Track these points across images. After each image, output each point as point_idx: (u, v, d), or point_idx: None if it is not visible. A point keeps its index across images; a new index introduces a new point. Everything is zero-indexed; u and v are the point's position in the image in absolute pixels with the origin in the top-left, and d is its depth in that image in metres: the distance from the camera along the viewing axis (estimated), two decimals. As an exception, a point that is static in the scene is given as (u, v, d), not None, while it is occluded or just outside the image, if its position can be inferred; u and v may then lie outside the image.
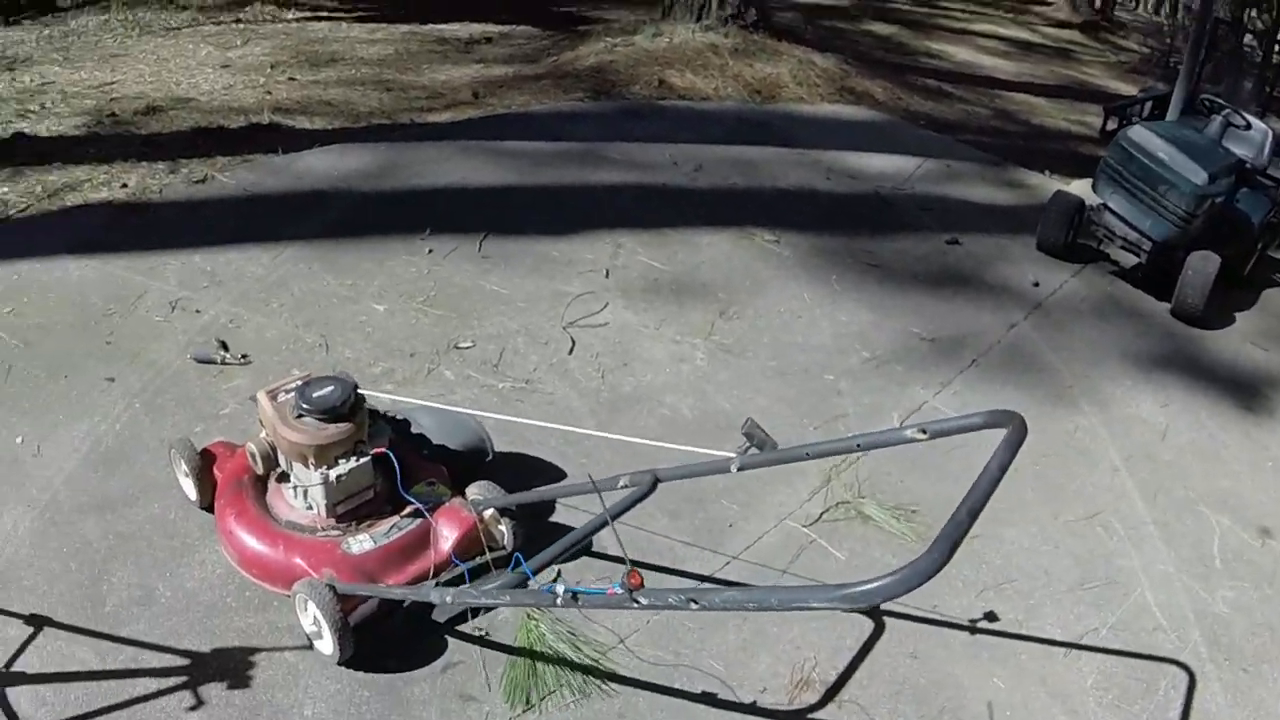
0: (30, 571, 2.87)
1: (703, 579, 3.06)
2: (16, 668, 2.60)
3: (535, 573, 2.32)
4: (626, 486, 2.53)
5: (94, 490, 3.16)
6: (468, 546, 2.88)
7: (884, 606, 2.99)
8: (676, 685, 2.75)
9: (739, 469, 2.34)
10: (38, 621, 2.72)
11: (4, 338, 3.79)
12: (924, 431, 2.00)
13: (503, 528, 2.96)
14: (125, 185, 4.86)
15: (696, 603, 1.67)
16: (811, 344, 4.32)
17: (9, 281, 4.14)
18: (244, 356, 3.83)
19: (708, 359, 4.11)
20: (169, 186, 4.94)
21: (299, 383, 2.82)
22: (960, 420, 2.01)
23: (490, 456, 3.23)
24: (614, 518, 2.30)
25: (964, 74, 9.81)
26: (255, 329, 4.01)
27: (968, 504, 1.59)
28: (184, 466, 3.00)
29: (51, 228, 4.58)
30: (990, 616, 3.09)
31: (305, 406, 2.70)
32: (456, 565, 2.84)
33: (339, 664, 2.64)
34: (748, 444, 2.31)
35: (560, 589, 2.00)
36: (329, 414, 2.71)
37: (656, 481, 2.50)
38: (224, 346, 3.82)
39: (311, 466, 2.75)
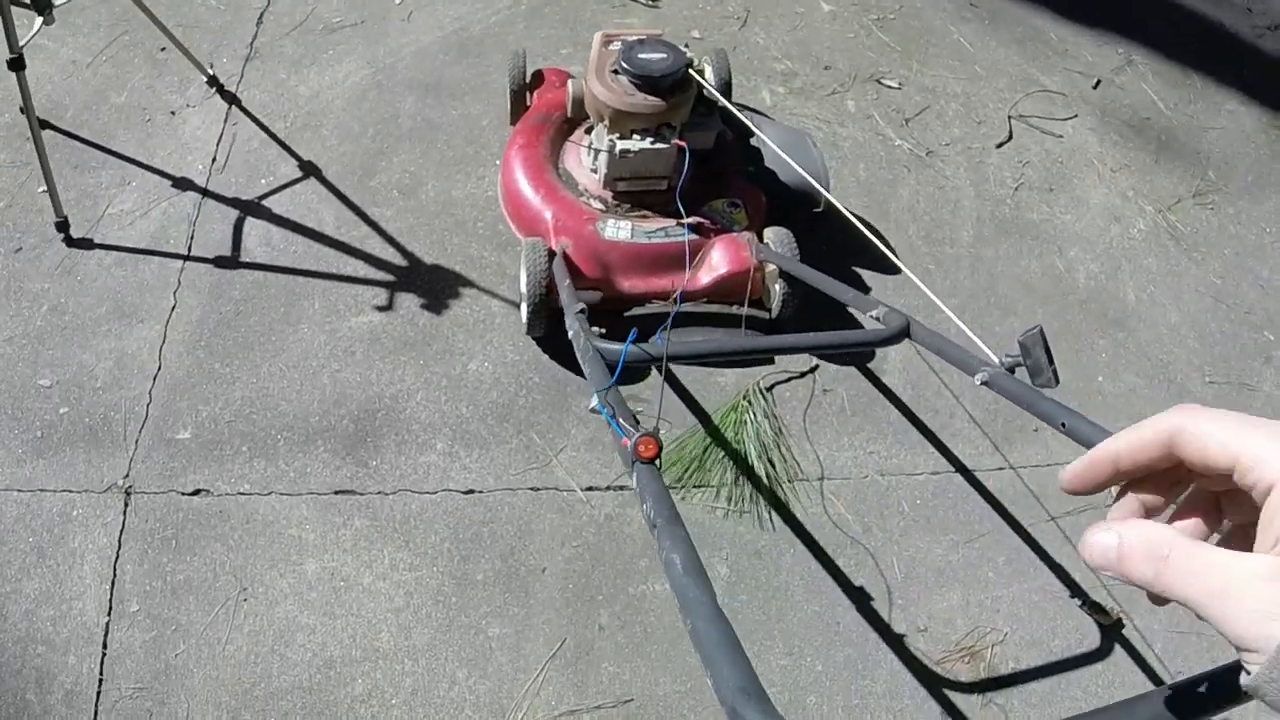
0: (332, 122, 2.91)
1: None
2: (268, 203, 2.69)
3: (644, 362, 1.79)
4: (877, 319, 1.94)
5: (432, 70, 3.10)
6: (729, 289, 2.45)
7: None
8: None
9: (981, 383, 1.59)
10: (308, 169, 2.78)
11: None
12: None
13: (776, 289, 2.45)
14: None
15: (654, 527, 1.11)
16: (1275, 284, 3.07)
17: None
18: (654, 1, 3.50)
19: (1144, 236, 3.07)
20: None
21: (638, 37, 2.45)
22: None
23: (820, 208, 2.66)
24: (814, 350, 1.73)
25: None
26: (680, -23, 3.63)
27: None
28: (508, 76, 2.81)
29: None
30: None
31: (625, 65, 2.34)
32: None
33: (528, 334, 2.41)
34: (1018, 358, 1.55)
35: (594, 401, 1.49)
36: (643, 81, 2.32)
37: (904, 334, 1.86)
38: (643, -20, 3.51)
39: (605, 129, 2.42)
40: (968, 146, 3.24)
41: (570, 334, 1.92)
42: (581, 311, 1.94)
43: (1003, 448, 2.49)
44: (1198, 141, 3.50)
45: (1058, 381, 1.52)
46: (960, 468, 2.43)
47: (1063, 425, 1.40)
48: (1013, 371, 1.60)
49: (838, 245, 2.70)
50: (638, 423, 1.31)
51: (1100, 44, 3.78)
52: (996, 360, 1.62)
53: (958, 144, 3.23)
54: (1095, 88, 3.59)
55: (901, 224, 2.93)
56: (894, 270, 2.75)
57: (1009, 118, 3.37)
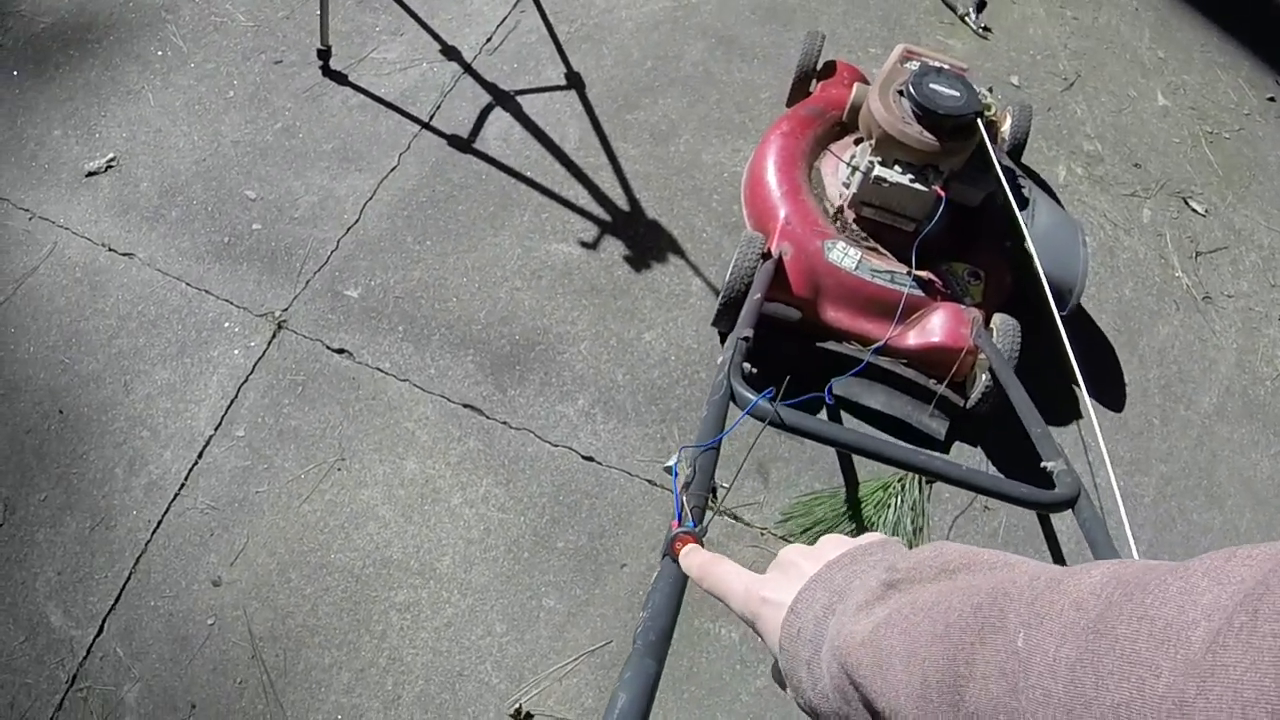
0: (615, 42, 2.95)
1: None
2: (521, 100, 2.75)
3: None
4: (1050, 471, 1.83)
5: (733, 22, 3.08)
6: (934, 361, 2.33)
7: None
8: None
9: None
10: (574, 81, 2.82)
11: None
12: None
13: (982, 378, 2.31)
14: None
15: (635, 641, 1.00)
16: None
17: None
18: (986, 30, 3.35)
19: None
20: None
21: (940, 65, 2.34)
22: None
23: (1066, 312, 2.46)
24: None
25: None
26: (1025, 17, 3.45)
27: None
28: (800, 54, 2.75)
29: None
30: None
31: (912, 89, 2.24)
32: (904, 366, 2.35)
33: (713, 325, 2.38)
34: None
35: (673, 459, 1.42)
36: (925, 114, 2.22)
37: (1069, 504, 1.74)
38: (980, 7, 3.36)
39: (869, 148, 2.34)
40: (1251, 306, 2.94)
41: (720, 358, 1.86)
42: (745, 339, 1.88)
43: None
44: None
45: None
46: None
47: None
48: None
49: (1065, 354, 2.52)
50: (715, 496, 1.25)
51: None
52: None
53: (1242, 299, 2.94)
54: None
55: (1146, 363, 2.71)
56: (1116, 407, 2.56)
57: None
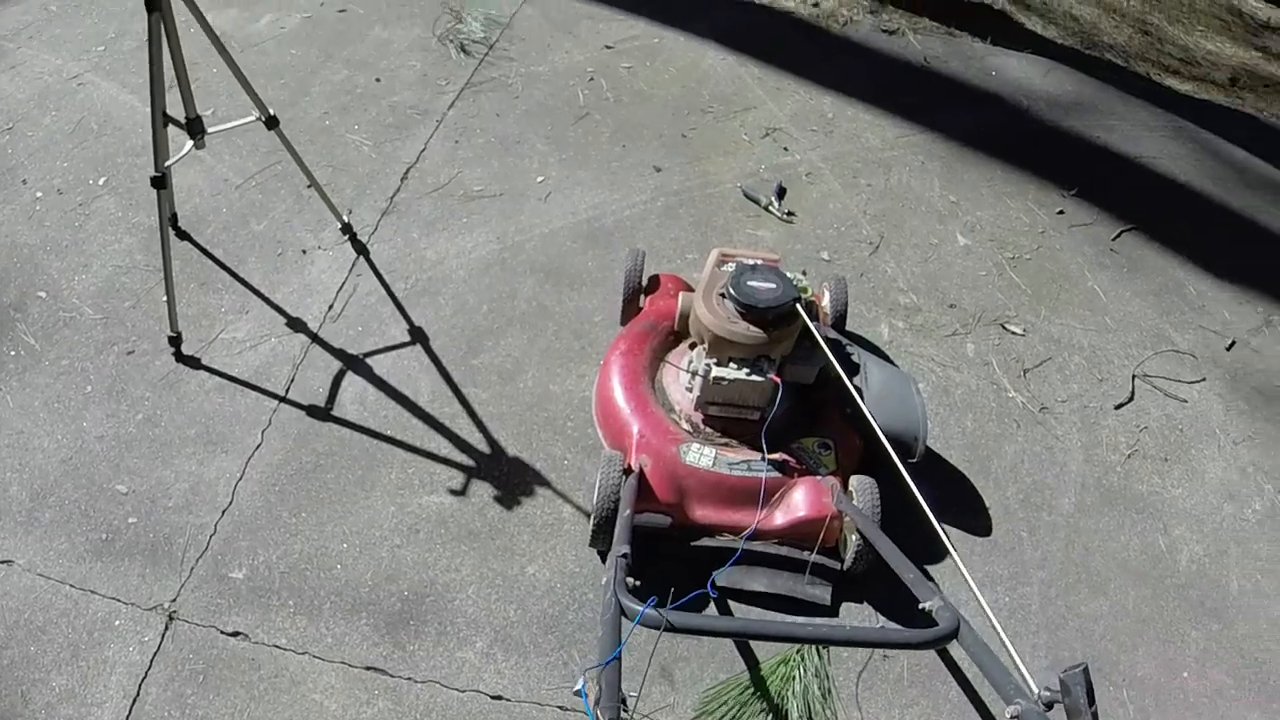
0: (450, 291, 3.27)
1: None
2: (371, 361, 3.03)
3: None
4: (929, 611, 2.11)
5: (557, 254, 3.46)
6: (804, 534, 2.63)
7: None
8: None
9: (1012, 717, 1.72)
10: (417, 335, 3.12)
11: (603, 87, 4.24)
12: None
13: (853, 539, 2.64)
14: (817, 5, 5.01)
15: None
16: None
17: (648, 43, 4.59)
18: (790, 214, 3.83)
19: (1259, 517, 3.14)
20: (856, 23, 4.99)
21: (754, 261, 2.73)
22: None
23: (915, 459, 2.85)
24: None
25: None
26: (824, 195, 3.96)
27: None
28: (624, 277, 3.12)
29: (721, 9, 4.93)
30: None
31: (732, 290, 2.58)
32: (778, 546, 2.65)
33: (591, 546, 2.63)
34: (1057, 694, 1.70)
35: (579, 683, 1.67)
36: (748, 310, 2.56)
37: (951, 637, 2.02)
38: (780, 194, 3.85)
39: (704, 352, 2.68)
40: (1085, 405, 3.39)
41: (605, 576, 2.11)
42: (624, 556, 2.13)
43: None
44: None
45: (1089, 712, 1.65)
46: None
47: None
48: (1050, 708, 1.72)
49: (927, 499, 2.84)
50: (625, 705, 1.50)
51: (1241, 302, 3.93)
52: (1035, 691, 1.75)
53: (1075, 401, 3.39)
54: (1229, 349, 3.72)
55: (1001, 484, 3.08)
56: (984, 531, 2.92)
57: (1133, 377, 3.52)
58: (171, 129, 2.67)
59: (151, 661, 2.35)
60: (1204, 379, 3.58)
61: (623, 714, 1.55)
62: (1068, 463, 3.19)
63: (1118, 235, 4.10)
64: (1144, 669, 2.68)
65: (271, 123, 2.86)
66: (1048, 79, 5.00)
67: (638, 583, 1.99)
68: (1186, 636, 2.81)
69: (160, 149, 2.60)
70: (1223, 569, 3.00)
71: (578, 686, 1.63)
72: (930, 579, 2.66)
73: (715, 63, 4.54)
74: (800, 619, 2.61)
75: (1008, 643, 1.90)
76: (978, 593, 2.03)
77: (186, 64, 2.63)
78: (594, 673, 1.60)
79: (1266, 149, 4.92)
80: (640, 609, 1.82)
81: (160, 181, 2.64)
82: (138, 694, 2.30)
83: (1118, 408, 3.40)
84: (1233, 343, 3.74)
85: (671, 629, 1.83)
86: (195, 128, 2.74)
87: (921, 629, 2.04)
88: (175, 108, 2.68)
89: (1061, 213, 4.14)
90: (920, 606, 2.12)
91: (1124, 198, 4.28)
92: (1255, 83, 5.86)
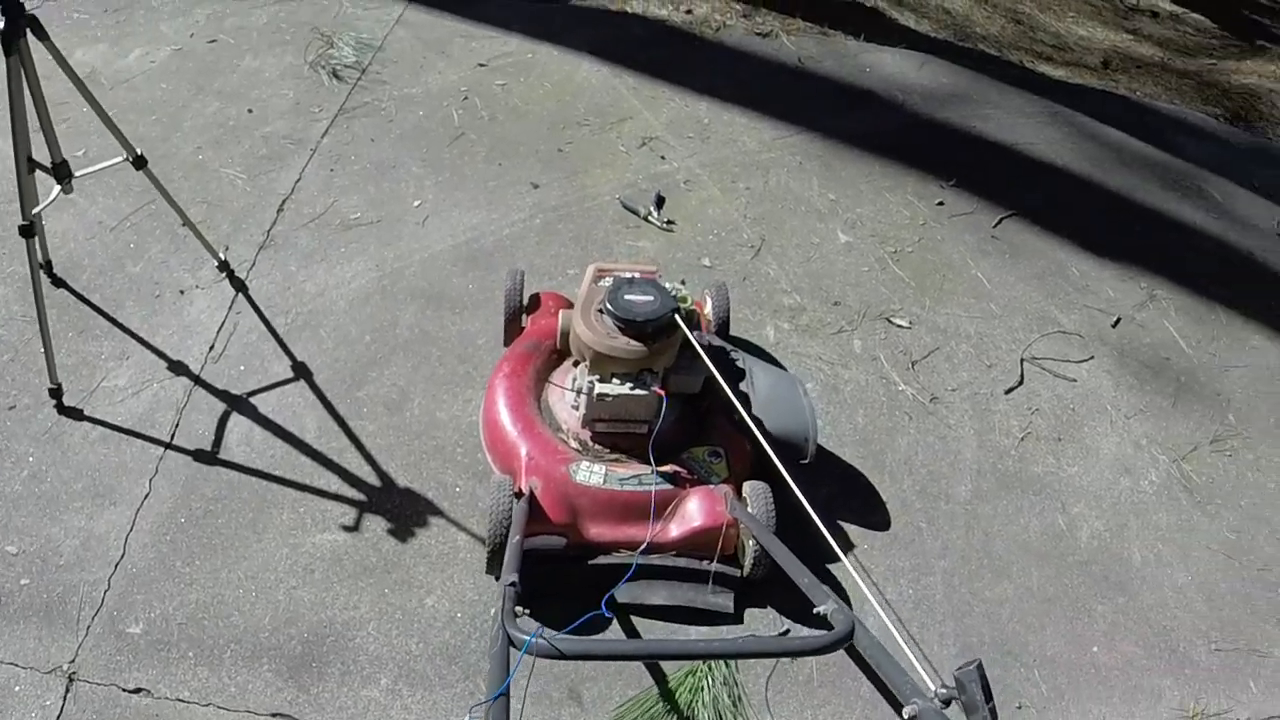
0: (331, 324, 3.29)
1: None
2: (255, 400, 3.04)
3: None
4: (824, 615, 2.16)
5: (437, 279, 3.50)
6: (700, 544, 2.71)
7: None
8: None
9: (909, 717, 1.80)
10: (300, 371, 3.14)
11: (478, 106, 4.30)
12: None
13: (750, 545, 2.71)
14: (690, 12, 5.12)
15: None
16: None
17: (521, 59, 4.67)
18: (670, 223, 3.92)
19: (1155, 489, 3.36)
20: (729, 28, 5.13)
21: (631, 274, 2.79)
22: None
23: (807, 460, 2.95)
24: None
25: None
26: (703, 201, 4.07)
27: None
28: (505, 297, 3.17)
29: (593, 23, 5.04)
30: None
31: (609, 305, 2.63)
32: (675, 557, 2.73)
33: (488, 573, 2.69)
34: (953, 691, 1.81)
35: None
36: (627, 324, 2.62)
37: (847, 640, 2.07)
38: (659, 203, 3.93)
39: (586, 370, 2.74)
40: (975, 392, 3.53)
41: (496, 606, 2.14)
42: (512, 584, 2.15)
43: (981, 731, 2.70)
44: (1219, 381, 3.80)
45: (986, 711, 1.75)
46: (933, 751, 2.64)
47: None
48: (947, 705, 1.79)
49: (825, 496, 2.98)
50: None
51: (1123, 279, 4.15)
52: (932, 689, 1.83)
53: (965, 389, 3.53)
54: (1115, 326, 3.92)
55: (896, 476, 3.18)
56: (883, 525, 3.02)
57: (1021, 360, 3.68)
58: (39, 174, 2.65)
59: (53, 727, 2.35)
60: (1092, 357, 3.76)
61: None
62: (962, 450, 3.32)
63: (998, 222, 4.28)
64: (1054, 647, 2.81)
65: (139, 162, 2.85)
66: (922, 72, 5.18)
67: (527, 611, 2.04)
68: (1093, 611, 2.95)
69: (27, 196, 2.58)
70: (1124, 542, 3.16)
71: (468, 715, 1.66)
72: (829, 581, 2.79)
73: (590, 75, 4.62)
74: (697, 634, 2.69)
75: (902, 643, 2.01)
76: (867, 592, 2.16)
77: (56, 104, 2.63)
78: (481, 711, 1.63)
79: (1140, 128, 5.19)
80: (527, 637, 1.83)
81: (28, 230, 2.62)
82: (42, 760, 2.30)
83: (1008, 392, 3.56)
84: (1118, 319, 3.94)
85: (561, 656, 1.86)
86: (62, 172, 2.72)
87: (818, 634, 2.11)
88: (40, 151, 2.66)
89: (941, 204, 4.31)
90: (815, 611, 2.18)
91: (1003, 185, 4.48)
92: (1127, 64, 6.15)
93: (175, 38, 4.45)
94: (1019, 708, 2.71)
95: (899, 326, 3.71)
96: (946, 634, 2.79)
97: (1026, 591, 2.94)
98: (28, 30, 2.41)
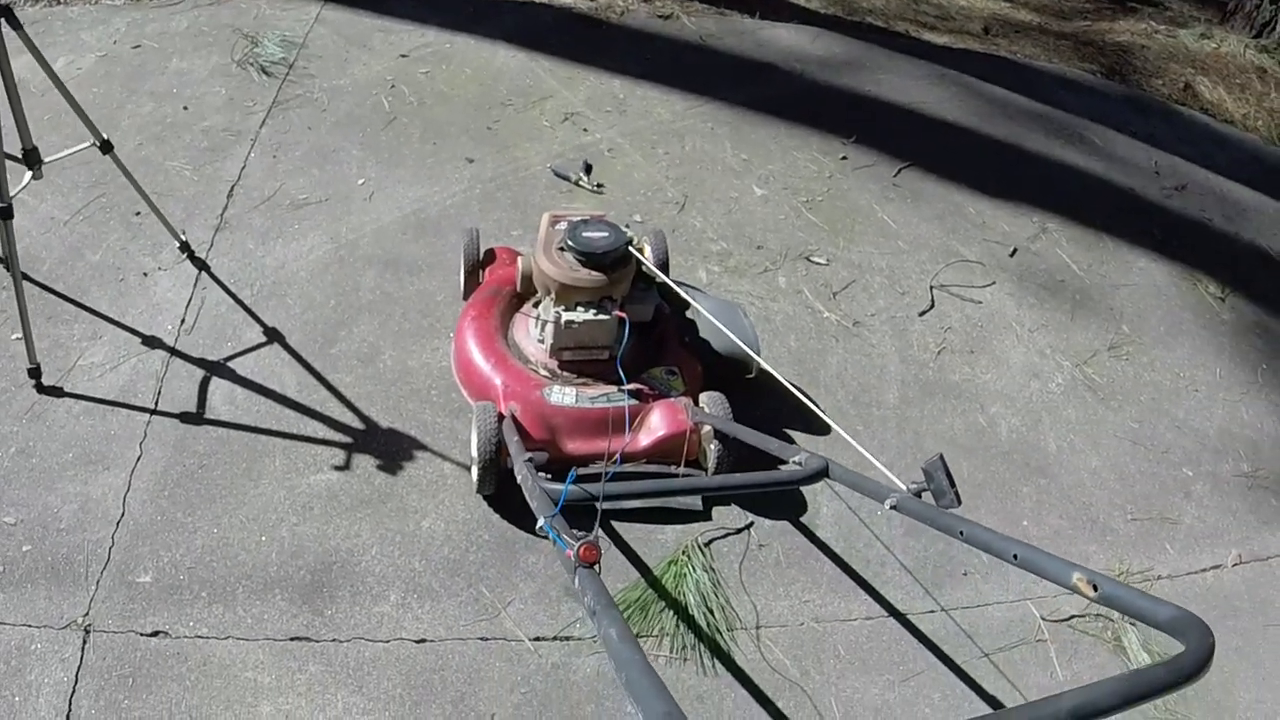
0: (296, 292, 3.39)
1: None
2: (233, 364, 3.13)
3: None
4: (798, 463, 2.47)
5: (391, 247, 3.62)
6: (667, 451, 2.91)
7: None
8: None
9: (891, 507, 2.13)
10: (273, 335, 3.23)
11: (405, 93, 4.44)
12: (1095, 588, 1.61)
13: (712, 449, 2.93)
14: (594, -1, 5.37)
15: (594, 613, 1.58)
16: (1190, 424, 3.68)
17: (440, 49, 4.82)
18: (599, 186, 4.11)
19: (1062, 389, 3.67)
20: (632, 12, 5.37)
21: (583, 218, 2.99)
22: (1143, 601, 1.55)
23: (753, 374, 3.19)
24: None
25: None
26: (627, 166, 4.27)
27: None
28: (463, 253, 3.34)
29: (505, 12, 5.22)
30: None
31: (570, 242, 2.84)
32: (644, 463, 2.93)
33: (478, 492, 2.83)
34: (923, 484, 2.08)
35: (541, 522, 2.03)
36: (587, 258, 2.82)
37: (823, 474, 2.41)
38: (587, 170, 4.12)
39: (551, 302, 2.92)
40: (892, 316, 3.82)
41: (519, 478, 2.41)
42: (529, 460, 2.40)
43: (933, 591, 2.90)
44: (1111, 298, 4.16)
45: (959, 502, 2.00)
46: (894, 612, 2.84)
47: (960, 534, 1.90)
48: (919, 495, 2.09)
49: (770, 410, 3.17)
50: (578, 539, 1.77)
51: (1016, 215, 4.50)
52: (905, 488, 2.11)
53: (883, 314, 3.81)
54: (1012, 255, 4.27)
55: (831, 389, 3.44)
56: (824, 430, 3.22)
57: (931, 288, 3.99)
58: (9, 163, 2.71)
59: (77, 676, 2.38)
60: (994, 282, 4.06)
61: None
62: (886, 365, 3.58)
63: (898, 172, 4.58)
64: (988, 523, 2.88)
65: (106, 147, 2.93)
66: (816, 44, 5.48)
67: (549, 475, 2.30)
68: (1019, 492, 3.23)
69: (2, 180, 2.64)
70: (1039, 434, 3.45)
71: (540, 524, 1.96)
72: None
73: (508, 60, 4.79)
74: (672, 531, 2.92)
75: (876, 461, 2.27)
76: (832, 424, 2.36)
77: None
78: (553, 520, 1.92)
79: (1022, 84, 5.59)
80: (562, 487, 2.14)
81: (6, 213, 2.68)
82: (69, 709, 2.33)
83: (921, 314, 3.84)
84: (1015, 250, 4.26)
85: (593, 499, 2.16)
86: (33, 158, 2.78)
87: (798, 469, 2.44)
88: (10, 137, 2.70)
89: (845, 158, 4.58)
90: (791, 460, 2.47)
91: (899, 139, 4.79)
92: (1006, 29, 6.59)
93: (98, 45, 4.48)
94: (965, 574, 2.96)
95: (818, 264, 3.96)
96: (893, 519, 3.03)
97: (959, 479, 3.16)
98: (2, 20, 2.49)
